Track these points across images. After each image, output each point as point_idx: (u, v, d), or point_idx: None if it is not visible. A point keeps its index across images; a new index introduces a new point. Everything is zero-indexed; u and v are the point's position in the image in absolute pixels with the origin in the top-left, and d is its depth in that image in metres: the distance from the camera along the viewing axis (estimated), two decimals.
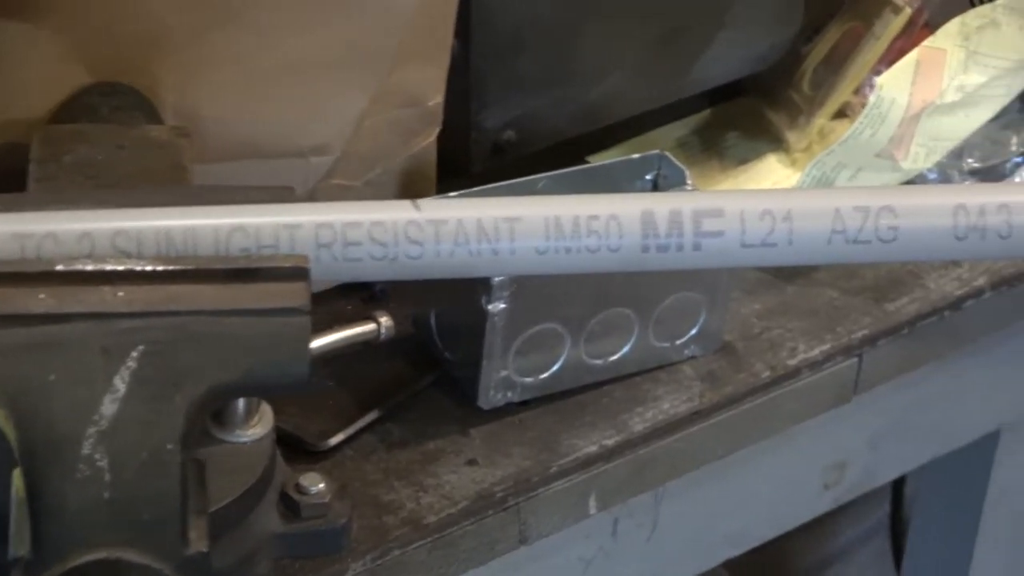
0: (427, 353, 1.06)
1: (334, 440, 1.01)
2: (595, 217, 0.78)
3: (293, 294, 0.76)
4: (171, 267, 0.76)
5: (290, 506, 0.94)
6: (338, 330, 0.98)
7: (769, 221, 0.79)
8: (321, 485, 0.94)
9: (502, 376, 1.02)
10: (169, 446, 0.75)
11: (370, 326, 0.99)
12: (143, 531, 0.75)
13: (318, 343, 0.97)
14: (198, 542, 0.76)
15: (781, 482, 1.16)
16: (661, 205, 0.79)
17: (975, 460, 1.32)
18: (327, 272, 0.78)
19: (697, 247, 0.79)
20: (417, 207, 0.78)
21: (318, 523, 0.93)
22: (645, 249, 0.79)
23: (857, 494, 1.22)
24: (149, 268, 0.76)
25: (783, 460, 1.14)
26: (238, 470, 0.92)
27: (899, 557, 1.75)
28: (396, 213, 0.78)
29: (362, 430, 1.02)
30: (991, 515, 1.36)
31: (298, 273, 0.76)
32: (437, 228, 0.78)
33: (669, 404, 1.05)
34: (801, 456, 1.16)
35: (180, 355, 0.75)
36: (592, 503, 1.03)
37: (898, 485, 1.77)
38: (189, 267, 0.76)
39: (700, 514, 1.13)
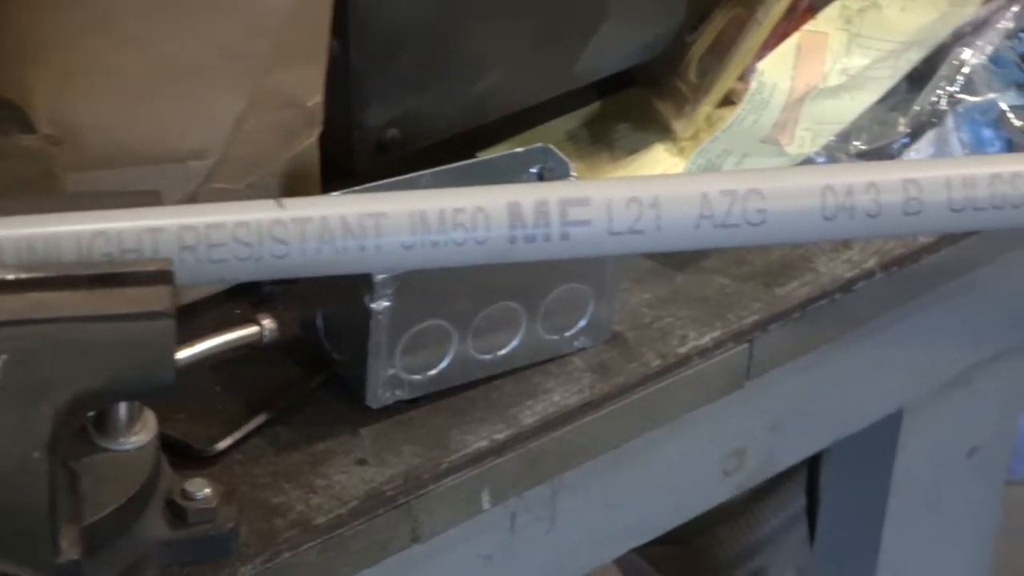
0: (315, 354, 1.06)
1: (222, 444, 1.00)
2: (461, 210, 0.78)
3: (156, 298, 0.76)
4: (33, 275, 0.75)
5: (176, 512, 0.93)
6: (220, 334, 0.97)
7: (636, 208, 0.79)
8: (207, 490, 0.94)
9: (390, 375, 1.02)
10: (36, 455, 0.74)
11: (252, 329, 0.99)
12: (12, 541, 0.75)
13: (198, 348, 0.96)
14: (70, 550, 0.76)
15: (680, 470, 1.16)
16: (527, 196, 0.79)
17: (879, 441, 1.33)
18: (192, 275, 0.77)
19: (565, 236, 0.79)
20: (281, 206, 0.78)
21: (205, 528, 0.93)
22: (512, 240, 0.79)
23: (760, 479, 1.22)
24: (11, 277, 0.75)
25: (680, 448, 1.15)
26: (121, 478, 0.91)
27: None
28: (260, 213, 0.78)
29: (251, 434, 1.02)
30: (898, 494, 1.37)
31: (161, 276, 0.76)
32: (302, 226, 0.77)
33: (560, 396, 1.05)
34: (699, 444, 1.16)
35: (44, 363, 0.74)
36: (485, 498, 1.02)
37: (814, 471, 1.78)
38: (51, 274, 0.75)
39: (598, 505, 1.13)
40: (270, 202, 0.78)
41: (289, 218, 0.77)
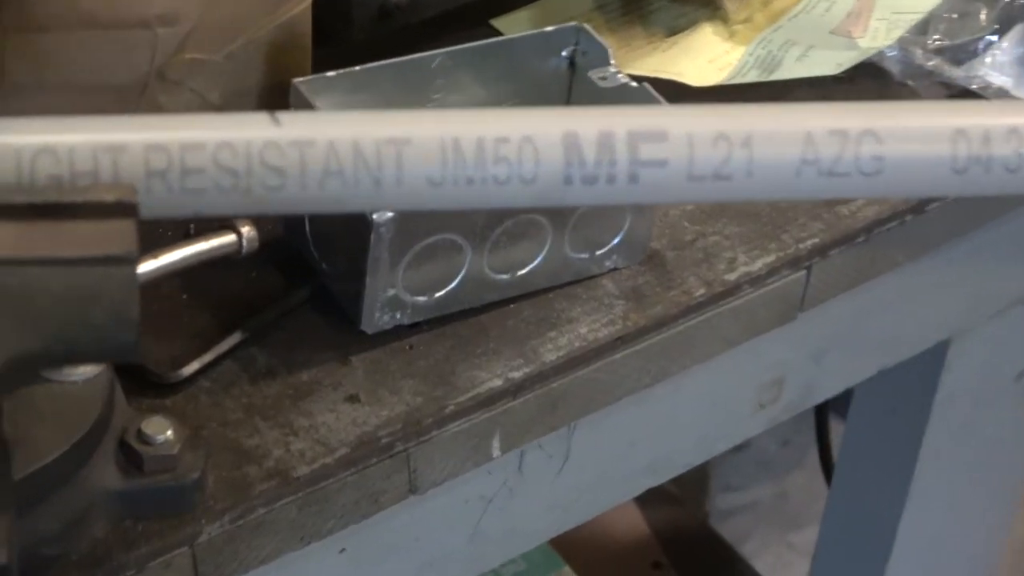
0: (301, 263, 0.89)
1: (187, 370, 0.85)
2: (504, 140, 0.62)
3: (116, 237, 0.59)
4: None
5: (131, 458, 0.79)
6: (190, 243, 0.81)
7: (724, 147, 0.63)
8: (168, 433, 0.78)
9: (389, 295, 0.86)
10: None
11: (229, 238, 0.83)
12: None
13: (163, 260, 0.80)
14: None
15: (711, 404, 1.02)
16: (588, 125, 0.62)
17: (921, 369, 1.18)
18: (161, 206, 0.61)
19: (633, 178, 0.63)
20: (277, 122, 0.61)
21: (164, 478, 0.78)
22: (568, 180, 0.63)
23: (795, 412, 1.08)
24: None
25: (714, 380, 0.99)
26: (67, 416, 0.76)
27: (828, 471, 1.62)
28: (250, 131, 0.61)
29: (221, 356, 0.86)
30: (938, 421, 1.23)
31: (122, 209, 0.60)
32: (302, 152, 0.61)
33: (587, 327, 0.89)
34: (734, 375, 1.01)
35: None
36: (495, 445, 0.87)
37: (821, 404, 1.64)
38: None
39: (618, 442, 0.98)
40: (263, 116, 0.61)
41: (287, 140, 0.61)
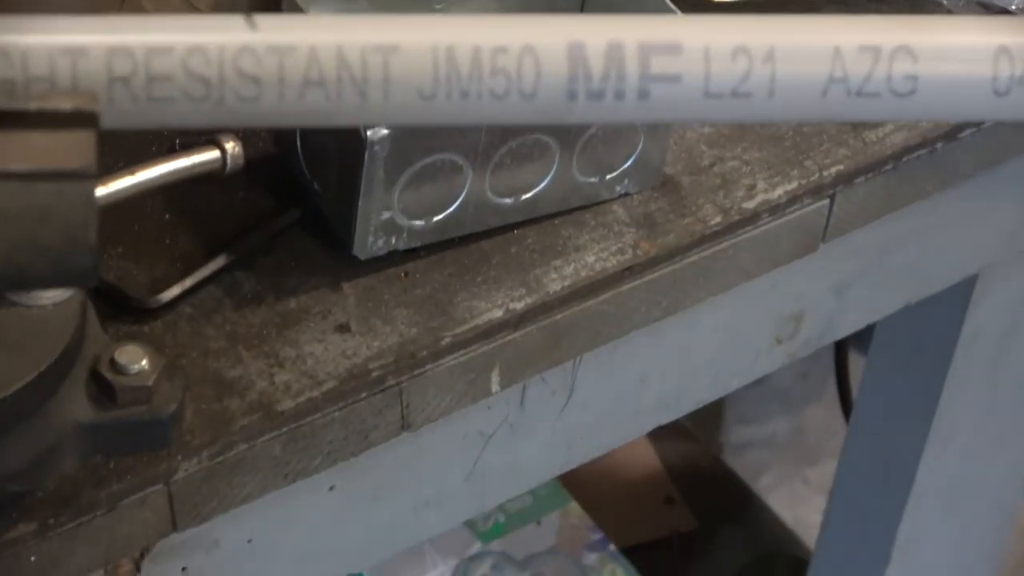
0: (292, 182, 0.84)
1: (168, 295, 0.79)
2: (503, 49, 0.56)
3: (73, 150, 0.54)
4: None
5: (103, 389, 0.73)
6: (167, 160, 0.76)
7: (744, 62, 0.57)
8: (143, 362, 0.73)
9: (384, 218, 0.80)
10: None
11: (212, 154, 0.77)
12: None
13: (140, 177, 0.74)
14: None
15: (726, 338, 0.96)
16: (595, 35, 0.57)
17: (947, 305, 1.13)
18: (124, 117, 0.55)
19: (644, 95, 0.57)
20: (253, 26, 0.56)
21: (139, 411, 0.73)
22: (572, 96, 0.57)
23: (814, 349, 1.02)
24: None
25: (731, 314, 0.94)
26: (33, 343, 0.71)
27: (847, 406, 1.57)
28: (224, 35, 0.56)
29: (204, 281, 0.81)
30: (962, 359, 1.17)
31: (82, 118, 0.54)
32: (281, 59, 0.55)
33: (595, 256, 0.84)
34: (752, 308, 0.96)
35: None
36: (495, 379, 0.82)
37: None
38: None
39: (627, 377, 0.93)
40: (238, 19, 0.56)
41: (264, 45, 0.55)
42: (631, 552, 1.52)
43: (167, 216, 0.83)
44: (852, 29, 0.58)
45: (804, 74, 0.57)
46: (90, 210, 0.53)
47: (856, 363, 1.58)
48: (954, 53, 0.58)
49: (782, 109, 0.58)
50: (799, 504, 2.07)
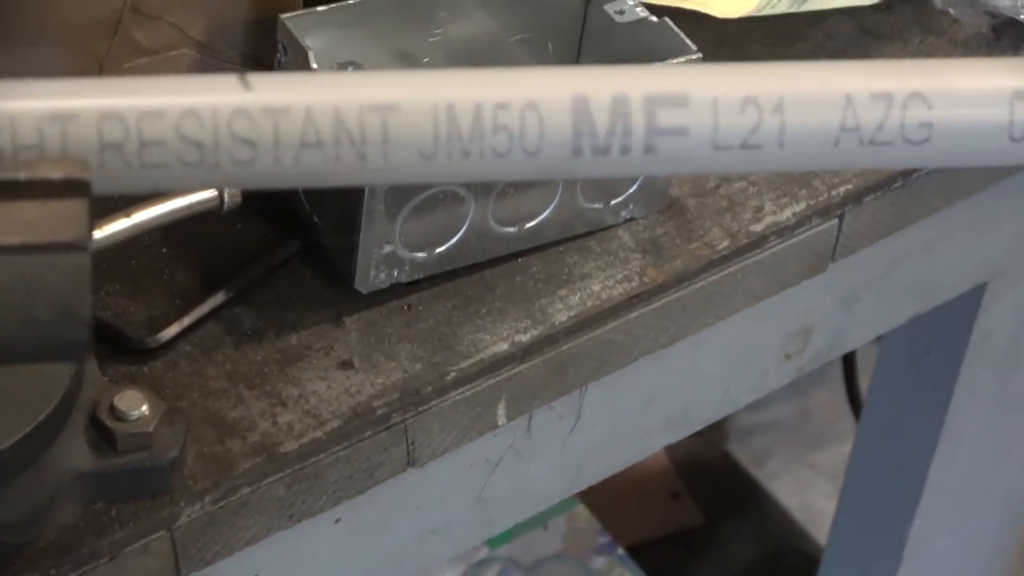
0: (291, 215, 0.83)
1: (167, 334, 0.78)
2: (504, 106, 0.55)
3: (65, 221, 0.52)
4: None
5: (103, 435, 0.73)
6: (163, 200, 0.74)
7: (753, 113, 0.56)
8: (143, 408, 0.72)
9: (386, 252, 0.79)
10: None
11: (209, 193, 0.76)
12: None
13: (135, 219, 0.73)
14: None
15: (734, 357, 0.95)
16: (600, 88, 0.55)
17: (958, 308, 1.11)
18: (116, 183, 0.54)
19: (650, 149, 0.56)
20: (247, 85, 0.54)
21: (140, 457, 0.72)
22: (577, 152, 0.55)
23: (823, 362, 1.01)
24: None
25: (739, 333, 0.93)
26: (30, 392, 0.70)
27: (852, 390, 1.56)
28: (217, 96, 0.54)
29: (204, 318, 0.79)
30: (973, 362, 1.16)
31: (73, 187, 0.53)
32: (276, 122, 0.54)
33: (600, 285, 0.82)
34: (760, 326, 0.94)
35: None
36: (501, 412, 0.81)
37: None
38: None
39: (634, 400, 0.92)
40: (231, 78, 0.54)
41: (258, 107, 0.54)
42: (637, 550, 1.51)
43: (164, 250, 0.81)
44: (863, 76, 0.57)
45: (815, 124, 0.56)
46: (83, 282, 0.52)
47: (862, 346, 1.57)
48: (969, 98, 0.57)
49: (792, 160, 0.56)
50: (805, 489, 2.05)
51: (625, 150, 0.55)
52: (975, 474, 1.26)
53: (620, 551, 1.43)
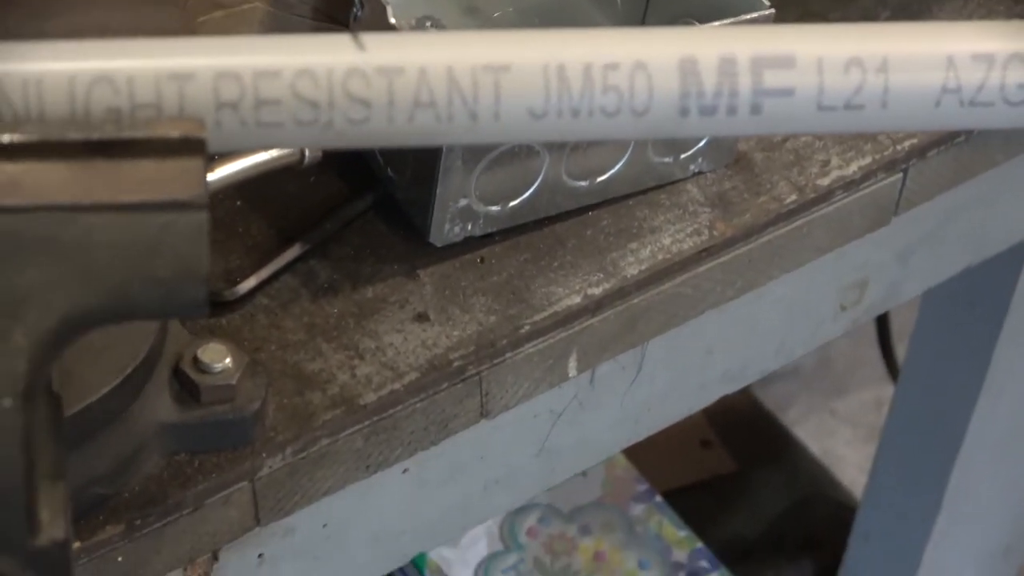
0: (365, 169, 0.83)
1: (244, 286, 0.79)
2: (614, 66, 0.55)
3: (182, 179, 0.53)
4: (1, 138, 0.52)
5: (187, 388, 0.73)
6: (245, 155, 0.74)
7: (857, 74, 0.56)
8: (227, 360, 0.73)
9: (461, 205, 0.79)
10: (7, 402, 0.52)
11: (290, 149, 0.76)
12: None
13: (218, 174, 0.73)
14: (51, 527, 0.55)
15: (792, 310, 0.95)
16: (707, 49, 0.56)
17: (1004, 260, 1.12)
18: (232, 141, 0.55)
19: (756, 109, 0.56)
20: (361, 46, 0.55)
21: (222, 409, 0.73)
22: (684, 112, 0.56)
23: (877, 313, 1.02)
24: None
25: (798, 286, 0.93)
26: (117, 346, 0.70)
27: (884, 340, 1.57)
28: (332, 56, 0.54)
29: (280, 271, 0.80)
30: (1017, 314, 1.17)
31: (189, 146, 0.53)
32: (391, 81, 0.54)
33: (671, 238, 0.83)
34: (818, 278, 0.95)
35: (17, 272, 0.52)
36: (572, 365, 0.82)
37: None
38: (30, 138, 0.52)
39: (694, 352, 0.92)
40: (345, 39, 0.55)
41: (372, 67, 0.54)
42: (670, 496, 1.52)
43: (239, 203, 0.82)
44: (965, 37, 0.57)
45: (917, 85, 0.56)
46: (202, 241, 0.52)
47: None
48: None
49: (894, 120, 0.57)
50: (826, 436, 2.07)
51: (732, 111, 0.56)
52: (1016, 425, 1.26)
53: (658, 498, 1.44)
